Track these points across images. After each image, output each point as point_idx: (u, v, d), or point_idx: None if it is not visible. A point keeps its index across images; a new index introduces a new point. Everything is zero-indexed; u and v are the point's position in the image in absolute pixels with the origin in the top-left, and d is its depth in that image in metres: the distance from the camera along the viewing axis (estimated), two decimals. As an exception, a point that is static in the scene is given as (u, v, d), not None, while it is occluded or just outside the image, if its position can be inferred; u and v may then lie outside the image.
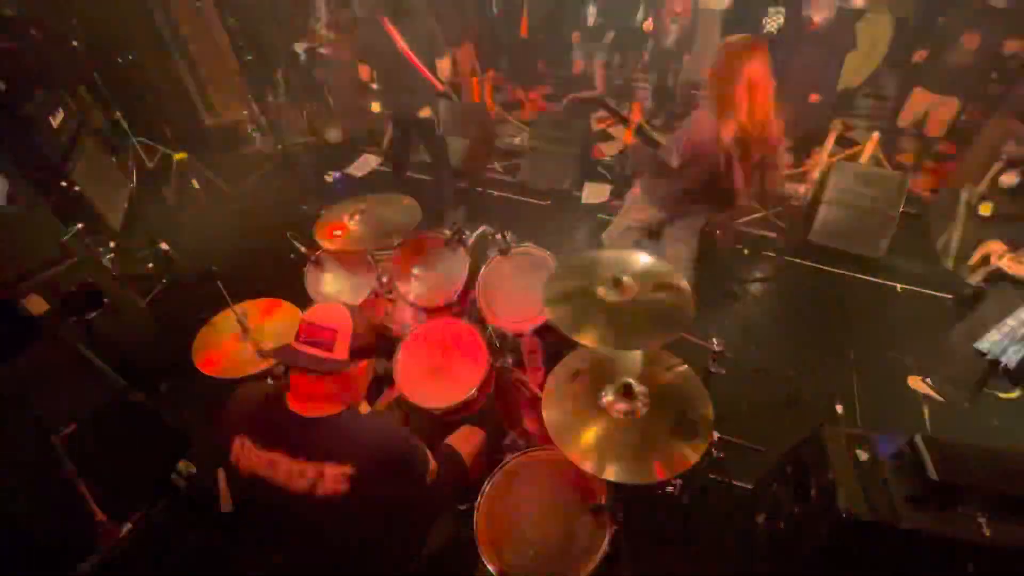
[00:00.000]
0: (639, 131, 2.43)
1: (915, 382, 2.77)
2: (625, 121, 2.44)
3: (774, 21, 4.20)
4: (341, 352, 1.24)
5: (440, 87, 3.39)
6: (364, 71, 3.49)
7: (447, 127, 3.80)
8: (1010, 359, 2.36)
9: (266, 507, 1.27)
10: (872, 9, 4.66)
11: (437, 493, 1.45)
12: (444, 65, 3.40)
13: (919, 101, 4.05)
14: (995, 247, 2.57)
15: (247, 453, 1.23)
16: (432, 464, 1.39)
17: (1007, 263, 2.47)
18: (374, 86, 3.57)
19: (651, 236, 2.77)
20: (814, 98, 3.97)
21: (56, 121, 3.25)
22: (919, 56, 3.94)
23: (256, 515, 1.33)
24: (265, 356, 1.96)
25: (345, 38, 4.97)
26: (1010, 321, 2.38)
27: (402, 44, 3.17)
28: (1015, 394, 2.63)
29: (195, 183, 4.35)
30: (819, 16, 3.77)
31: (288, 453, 1.21)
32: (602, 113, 5.33)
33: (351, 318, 1.27)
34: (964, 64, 3.72)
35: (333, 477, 1.18)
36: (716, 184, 2.31)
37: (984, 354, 2.45)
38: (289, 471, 1.20)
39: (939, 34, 3.90)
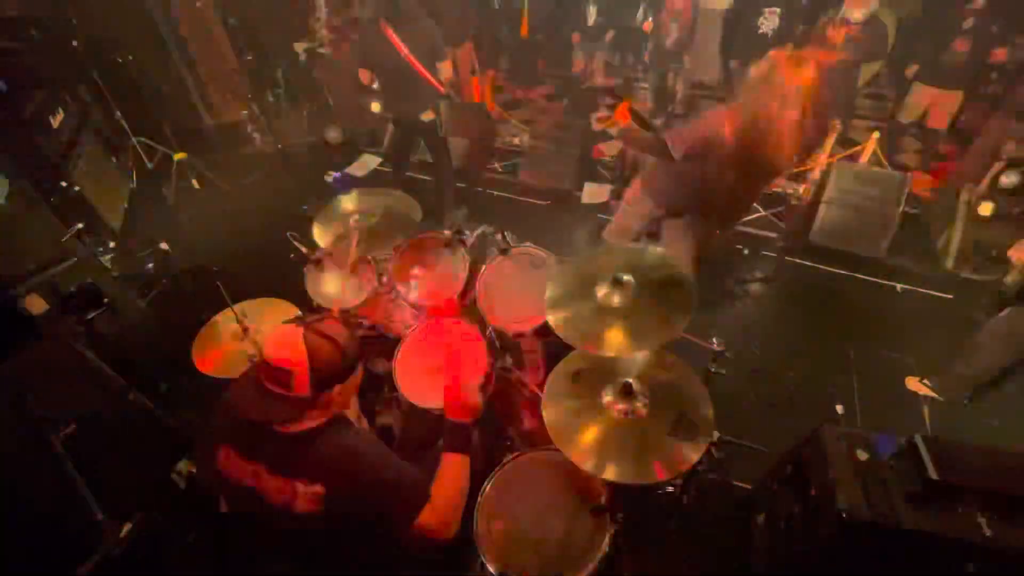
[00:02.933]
0: (633, 113, 2.31)
1: (914, 383, 2.76)
2: (618, 99, 2.29)
3: (769, 22, 4.19)
4: (302, 388, 1.15)
5: (441, 89, 3.39)
6: (364, 75, 3.49)
7: (448, 128, 3.80)
8: None
9: (254, 515, 1.26)
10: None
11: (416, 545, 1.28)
12: (445, 67, 3.40)
13: (921, 97, 4.05)
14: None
15: (233, 463, 1.23)
16: (424, 503, 1.23)
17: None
18: (375, 86, 3.56)
19: (650, 236, 2.77)
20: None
21: (56, 121, 3.24)
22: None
23: (247, 521, 1.33)
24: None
25: (345, 39, 4.97)
26: None
27: (402, 48, 3.17)
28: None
29: (195, 183, 4.36)
30: (858, 13, 3.66)
31: (267, 467, 1.20)
32: (601, 115, 5.28)
33: (308, 350, 1.15)
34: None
35: (305, 496, 1.16)
36: (713, 188, 2.29)
37: None
38: (269, 485, 1.19)
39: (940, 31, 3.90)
